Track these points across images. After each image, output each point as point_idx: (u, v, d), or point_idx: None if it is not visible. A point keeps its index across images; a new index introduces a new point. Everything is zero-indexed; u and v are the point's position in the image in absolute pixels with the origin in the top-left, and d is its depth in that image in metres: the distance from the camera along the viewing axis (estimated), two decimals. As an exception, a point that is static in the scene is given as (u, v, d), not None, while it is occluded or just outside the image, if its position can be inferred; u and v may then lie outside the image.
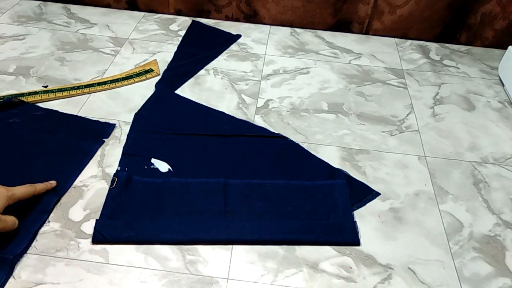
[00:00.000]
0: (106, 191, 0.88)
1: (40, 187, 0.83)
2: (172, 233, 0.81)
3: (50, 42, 1.31)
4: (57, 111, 1.06)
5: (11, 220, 0.75)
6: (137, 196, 0.87)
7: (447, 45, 1.46)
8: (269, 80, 1.23)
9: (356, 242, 0.82)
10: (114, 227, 0.81)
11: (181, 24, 1.46)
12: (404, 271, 0.79)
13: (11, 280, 0.73)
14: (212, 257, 0.79)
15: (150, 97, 1.13)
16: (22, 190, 0.78)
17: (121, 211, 0.84)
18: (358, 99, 1.19)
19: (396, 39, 1.46)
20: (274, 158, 0.98)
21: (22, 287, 0.72)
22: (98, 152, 0.97)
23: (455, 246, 0.84)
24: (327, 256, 0.80)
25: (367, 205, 0.90)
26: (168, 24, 1.45)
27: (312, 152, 1.01)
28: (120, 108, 1.10)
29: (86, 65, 1.23)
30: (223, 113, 1.10)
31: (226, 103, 1.14)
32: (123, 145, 0.99)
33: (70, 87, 1.13)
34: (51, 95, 1.10)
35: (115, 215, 0.84)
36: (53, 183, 0.86)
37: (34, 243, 0.78)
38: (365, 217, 0.88)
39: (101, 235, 0.80)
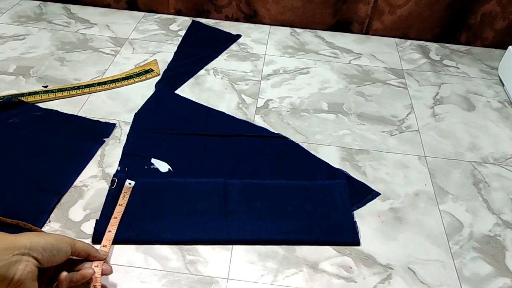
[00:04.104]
0: (106, 191, 0.88)
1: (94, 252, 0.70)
2: (172, 233, 0.81)
3: (50, 42, 1.31)
4: (57, 111, 1.06)
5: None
6: (137, 196, 0.87)
7: (447, 45, 1.46)
8: (269, 80, 1.23)
9: (356, 242, 0.82)
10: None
11: (181, 24, 1.45)
12: (404, 271, 0.79)
13: (11, 280, 0.73)
14: (212, 257, 0.79)
15: (150, 97, 1.13)
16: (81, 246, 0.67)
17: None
18: (358, 99, 1.19)
19: (396, 39, 1.46)
20: (274, 158, 0.98)
21: (22, 287, 0.72)
22: (98, 152, 0.97)
23: (455, 246, 0.84)
24: (327, 256, 0.80)
25: (367, 205, 0.90)
26: (168, 24, 1.45)
27: (312, 152, 1.01)
28: (120, 108, 1.10)
29: (86, 65, 1.23)
30: (223, 113, 1.10)
31: (226, 103, 1.14)
32: (123, 145, 0.99)
33: (70, 87, 1.13)
34: (51, 95, 1.10)
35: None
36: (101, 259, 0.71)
37: (34, 243, 0.78)
38: (365, 217, 0.88)
39: (101, 235, 0.80)
